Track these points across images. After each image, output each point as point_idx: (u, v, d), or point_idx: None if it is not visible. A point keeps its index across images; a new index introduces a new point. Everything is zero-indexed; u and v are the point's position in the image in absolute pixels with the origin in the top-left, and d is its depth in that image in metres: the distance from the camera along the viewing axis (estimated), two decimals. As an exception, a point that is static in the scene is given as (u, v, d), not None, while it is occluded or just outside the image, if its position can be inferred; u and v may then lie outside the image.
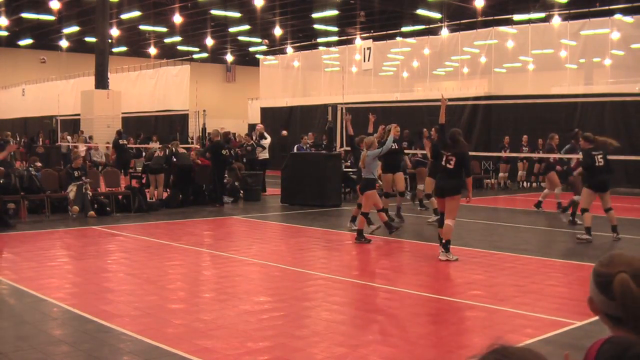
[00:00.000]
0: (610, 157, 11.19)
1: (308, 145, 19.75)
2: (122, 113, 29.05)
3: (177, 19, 32.07)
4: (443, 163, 9.30)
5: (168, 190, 16.17)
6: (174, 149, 16.37)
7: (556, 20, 24.37)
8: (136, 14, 33.86)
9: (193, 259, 9.45)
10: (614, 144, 10.92)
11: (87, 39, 38.60)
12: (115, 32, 35.64)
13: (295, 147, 19.39)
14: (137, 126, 31.74)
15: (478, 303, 6.64)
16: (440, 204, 9.44)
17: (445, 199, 9.15)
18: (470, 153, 22.42)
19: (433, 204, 11.35)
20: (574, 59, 23.21)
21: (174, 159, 16.02)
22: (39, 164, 15.40)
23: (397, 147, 12.65)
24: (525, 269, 8.51)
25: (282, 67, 32.72)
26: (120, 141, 21.41)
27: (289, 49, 34.94)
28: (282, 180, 16.63)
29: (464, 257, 9.45)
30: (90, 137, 27.10)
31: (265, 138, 19.51)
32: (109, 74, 29.21)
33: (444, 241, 8.95)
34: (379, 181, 11.76)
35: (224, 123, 41.09)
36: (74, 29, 37.98)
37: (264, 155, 19.30)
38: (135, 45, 45.01)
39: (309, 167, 16.10)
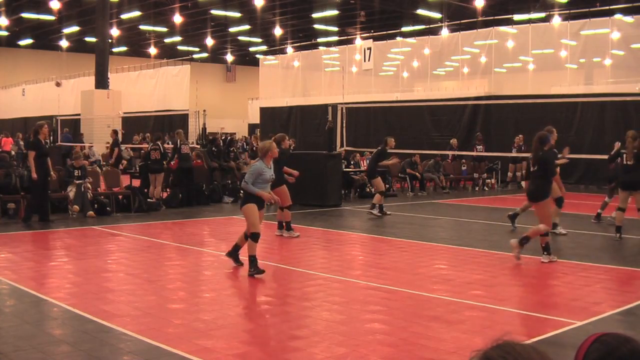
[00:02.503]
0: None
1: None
2: (122, 113, 29.06)
3: (177, 18, 32.08)
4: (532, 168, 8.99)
5: (168, 190, 16.17)
6: (178, 140, 16.29)
7: (556, 20, 24.38)
8: (136, 14, 33.87)
9: (193, 259, 9.44)
10: None
11: (87, 39, 38.61)
12: (115, 32, 35.64)
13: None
14: (137, 126, 31.75)
15: (478, 303, 6.64)
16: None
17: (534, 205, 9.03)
18: (465, 153, 22.39)
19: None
20: (574, 59, 23.21)
21: (176, 156, 15.97)
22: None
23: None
24: (525, 269, 8.50)
25: (282, 67, 32.73)
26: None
27: (289, 49, 34.95)
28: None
29: (464, 257, 9.45)
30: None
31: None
32: (109, 73, 29.22)
33: (543, 245, 8.84)
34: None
35: (224, 123, 41.20)
36: (74, 29, 37.99)
37: None
38: (135, 45, 45.02)
39: (309, 167, 16.08)
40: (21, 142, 25.43)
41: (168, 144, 18.12)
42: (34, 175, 12.09)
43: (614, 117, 20.13)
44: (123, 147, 25.78)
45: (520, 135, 20.73)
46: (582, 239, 11.42)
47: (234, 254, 8.44)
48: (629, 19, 21.37)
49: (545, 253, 8.83)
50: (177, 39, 40.81)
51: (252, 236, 7.90)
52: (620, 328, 5.93)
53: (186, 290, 7.37)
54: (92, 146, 27.12)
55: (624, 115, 20.07)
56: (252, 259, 7.80)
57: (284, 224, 11.17)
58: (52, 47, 44.83)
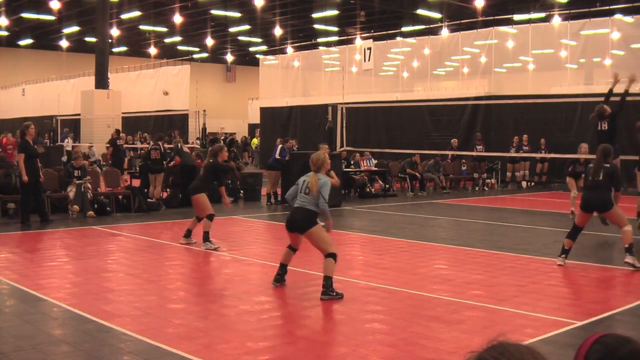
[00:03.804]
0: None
1: (295, 149, 17.73)
2: (122, 113, 29.06)
3: (177, 18, 32.09)
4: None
5: (168, 190, 16.17)
6: (179, 145, 16.35)
7: (556, 20, 24.38)
8: (136, 13, 33.88)
9: (193, 259, 9.44)
10: None
11: (87, 39, 38.62)
12: (115, 32, 35.65)
13: (278, 148, 16.82)
14: (136, 126, 31.77)
15: (478, 303, 6.64)
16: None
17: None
18: (465, 153, 22.39)
19: None
20: (574, 59, 23.22)
21: (178, 157, 16.00)
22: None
23: None
24: (525, 269, 8.50)
25: (282, 67, 32.71)
26: (118, 141, 21.59)
27: (289, 49, 34.95)
28: (283, 180, 16.61)
29: (464, 257, 9.46)
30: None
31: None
32: (109, 73, 29.23)
33: (626, 245, 8.53)
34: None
35: (224, 123, 41.23)
36: (74, 29, 38.00)
37: None
38: (135, 45, 45.03)
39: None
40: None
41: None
42: (25, 178, 12.07)
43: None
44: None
45: (525, 135, 20.76)
46: (582, 238, 11.40)
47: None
48: (629, 19, 21.37)
49: (562, 256, 8.71)
50: (177, 39, 40.81)
51: (333, 255, 7.11)
52: (621, 328, 5.93)
53: (186, 290, 7.37)
54: (92, 146, 27.14)
55: (624, 115, 20.03)
56: (330, 281, 6.95)
57: (191, 231, 10.22)
58: (52, 47, 44.83)
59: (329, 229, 7.48)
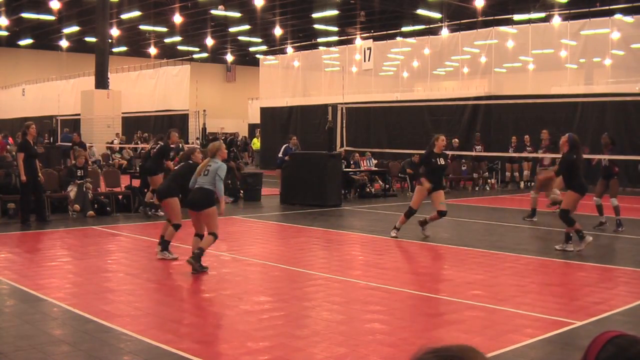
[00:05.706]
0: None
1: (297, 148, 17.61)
2: (122, 113, 29.05)
3: (177, 18, 32.09)
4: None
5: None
6: (180, 144, 16.36)
7: (556, 20, 24.38)
8: (136, 14, 33.89)
9: (193, 259, 9.42)
10: None
11: (87, 39, 38.63)
12: (115, 32, 35.65)
13: (283, 147, 17.12)
14: (136, 126, 31.77)
15: (478, 303, 6.64)
16: None
17: None
18: (465, 153, 22.37)
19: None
20: (574, 59, 23.21)
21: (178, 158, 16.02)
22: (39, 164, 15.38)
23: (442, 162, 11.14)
24: (525, 269, 8.51)
25: (282, 67, 32.69)
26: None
27: (289, 49, 34.95)
28: (282, 180, 16.64)
29: (464, 257, 9.46)
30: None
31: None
32: (109, 73, 29.22)
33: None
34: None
35: (224, 123, 41.21)
36: (74, 29, 38.01)
37: None
38: (135, 45, 45.03)
39: (309, 167, 16.09)
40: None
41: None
42: (23, 178, 12.08)
43: (614, 117, 20.13)
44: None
45: (527, 136, 20.73)
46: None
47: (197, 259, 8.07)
48: (629, 19, 21.37)
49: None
50: (177, 39, 40.81)
51: (215, 235, 8.15)
52: (620, 328, 5.92)
53: (186, 291, 7.37)
54: (92, 146, 27.13)
55: (624, 115, 20.07)
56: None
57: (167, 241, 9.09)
58: (52, 47, 44.83)
59: (222, 214, 8.39)
